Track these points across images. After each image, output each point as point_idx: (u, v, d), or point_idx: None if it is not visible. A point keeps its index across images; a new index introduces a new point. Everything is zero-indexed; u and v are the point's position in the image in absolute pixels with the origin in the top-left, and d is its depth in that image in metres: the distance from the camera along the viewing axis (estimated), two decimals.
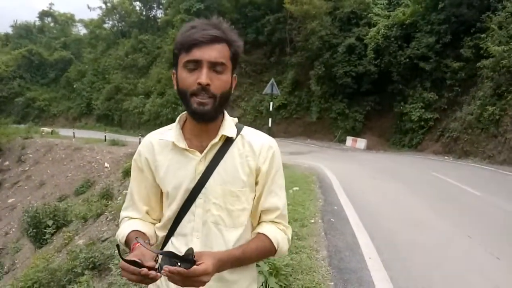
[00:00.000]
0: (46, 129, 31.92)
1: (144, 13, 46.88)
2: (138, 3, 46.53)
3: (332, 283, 4.20)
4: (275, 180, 1.37)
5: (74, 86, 45.93)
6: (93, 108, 42.81)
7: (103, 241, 7.77)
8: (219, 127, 1.32)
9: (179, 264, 1.03)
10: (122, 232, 1.37)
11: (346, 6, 27.20)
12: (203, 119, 1.27)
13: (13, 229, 16.48)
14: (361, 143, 23.54)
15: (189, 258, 1.04)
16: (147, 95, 37.17)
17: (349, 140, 24.41)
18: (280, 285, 3.87)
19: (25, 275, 8.05)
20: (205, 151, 1.30)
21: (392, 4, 27.56)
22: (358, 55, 25.42)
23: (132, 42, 42.45)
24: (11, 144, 26.05)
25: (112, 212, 9.03)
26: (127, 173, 12.92)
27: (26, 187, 20.79)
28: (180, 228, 1.33)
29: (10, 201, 20.19)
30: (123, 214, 1.47)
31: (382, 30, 23.77)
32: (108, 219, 9.05)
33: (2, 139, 26.06)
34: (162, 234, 1.39)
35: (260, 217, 1.39)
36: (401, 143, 23.82)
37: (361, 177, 11.90)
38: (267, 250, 1.33)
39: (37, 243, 10.91)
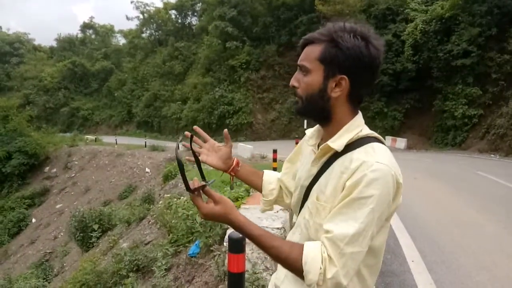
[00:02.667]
0: (90, 137, 33.44)
1: (179, 21, 48.02)
2: (173, 11, 47.73)
3: (374, 286, 4.10)
4: (353, 205, 1.12)
5: (115, 94, 47.75)
6: (133, 115, 44.30)
7: (146, 244, 7.99)
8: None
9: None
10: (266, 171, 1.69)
11: (381, 3, 26.59)
12: (299, 115, 1.36)
13: (61, 233, 17.34)
14: (401, 142, 22.86)
15: (188, 185, 1.18)
16: (184, 101, 37.99)
17: (388, 139, 23.78)
18: None
19: (74, 278, 8.43)
20: (316, 155, 1.32)
21: None
22: (395, 52, 24.76)
23: (168, 50, 43.59)
24: (58, 152, 27.48)
25: (154, 216, 9.29)
26: (167, 178, 13.27)
27: (72, 193, 21.85)
28: (298, 217, 1.42)
29: (58, 206, 21.30)
30: None
31: (420, 26, 23.03)
32: (150, 222, 9.31)
33: (50, 148, 27.53)
34: (294, 219, 1.50)
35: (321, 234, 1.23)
36: (444, 141, 22.91)
37: (402, 178, 11.52)
38: (291, 260, 1.15)
39: (84, 246, 11.40)
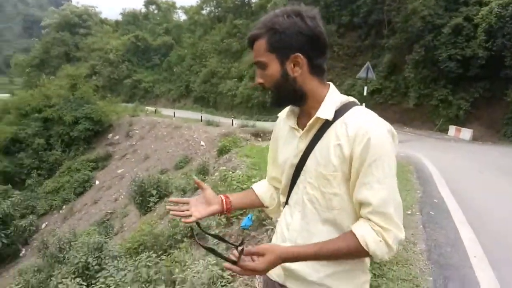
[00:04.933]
0: (150, 109, 34.91)
1: None
2: None
3: (431, 278, 3.98)
4: (371, 171, 1.22)
5: (174, 69, 49.17)
6: (191, 90, 45.43)
7: None
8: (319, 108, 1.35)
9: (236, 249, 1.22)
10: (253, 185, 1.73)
11: None
12: (276, 107, 1.42)
13: (122, 196, 18.51)
14: (466, 133, 21.46)
15: (230, 259, 1.22)
16: (240, 78, 38.27)
17: (452, 129, 22.42)
18: (374, 274, 3.79)
19: (132, 237, 9.02)
20: (303, 130, 1.37)
21: None
22: (466, 37, 22.95)
23: (227, 27, 43.80)
24: (120, 120, 29.03)
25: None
26: (221, 152, 13.58)
27: (133, 160, 23.13)
28: (290, 199, 1.46)
29: (119, 171, 22.68)
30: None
31: (496, 9, 21.08)
32: None
33: (113, 116, 29.15)
34: (282, 200, 1.55)
35: (359, 209, 1.31)
36: None
37: (466, 170, 10.90)
38: (354, 250, 1.25)
39: (142, 210, 12.11)
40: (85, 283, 6.38)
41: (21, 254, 19.98)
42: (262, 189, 1.69)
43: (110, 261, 7.63)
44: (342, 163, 1.27)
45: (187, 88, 46.52)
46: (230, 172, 7.86)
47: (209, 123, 23.91)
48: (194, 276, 3.99)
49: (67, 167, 24.94)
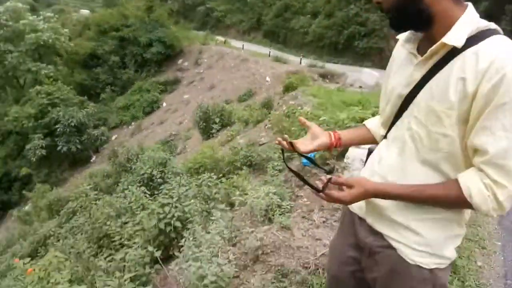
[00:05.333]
0: (220, 38, 34.76)
1: None
2: None
3: (500, 243, 3.72)
4: (496, 114, 1.01)
5: (248, 0, 47.80)
6: (262, 23, 44.23)
7: (261, 145, 8.40)
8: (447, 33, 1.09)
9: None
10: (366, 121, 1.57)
11: None
12: (395, 31, 1.25)
13: (186, 120, 19.26)
14: None
15: (316, 187, 1.19)
16: (314, 15, 36.32)
17: None
18: None
19: (194, 159, 9.41)
20: (422, 58, 1.16)
21: None
22: None
23: None
24: (191, 47, 29.38)
25: (271, 121, 9.59)
26: (287, 89, 13.35)
27: (199, 87, 23.66)
28: (389, 133, 1.31)
29: (185, 96, 23.41)
30: None
31: None
32: (266, 126, 9.68)
33: (185, 42, 29.49)
34: (381, 133, 1.39)
35: (472, 156, 1.11)
36: None
37: None
38: (454, 200, 1.12)
39: (205, 135, 12.53)
40: (149, 192, 6.82)
41: (91, 160, 22.03)
42: (375, 124, 1.50)
43: (172, 176, 8.08)
44: (462, 101, 1.06)
45: (259, 21, 45.29)
46: (299, 108, 7.69)
47: (276, 59, 23.42)
48: (253, 201, 4.04)
49: (138, 87, 26.19)
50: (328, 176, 1.18)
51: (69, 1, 68.32)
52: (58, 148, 20.85)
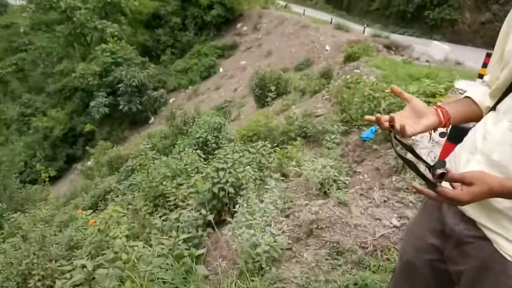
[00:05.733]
0: (281, 3, 33.80)
1: None
2: None
3: None
4: None
5: None
6: None
7: (317, 116, 8.13)
8: None
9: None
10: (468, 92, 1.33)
11: None
12: None
13: (241, 87, 19.24)
14: None
15: (431, 180, 0.99)
16: None
17: None
18: None
19: (248, 126, 9.38)
20: None
21: None
22: None
23: None
24: (251, 11, 28.87)
25: (329, 92, 9.25)
26: (348, 59, 12.75)
27: (256, 53, 23.38)
28: (500, 104, 1.12)
29: (242, 62, 23.29)
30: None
31: None
32: (324, 97, 9.35)
33: (245, 6, 29.02)
34: (488, 104, 1.21)
35: None
36: None
37: None
38: None
39: (260, 103, 12.42)
40: (203, 156, 6.92)
41: (150, 121, 22.91)
42: (480, 94, 1.29)
43: (226, 142, 8.13)
44: None
45: None
46: (364, 77, 7.29)
47: (338, 26, 22.38)
48: (309, 173, 3.92)
49: (197, 50, 26.45)
50: (440, 170, 0.98)
51: None
52: (120, 107, 21.87)
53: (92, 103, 22.41)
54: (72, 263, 3.20)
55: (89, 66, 23.20)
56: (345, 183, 3.94)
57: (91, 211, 4.64)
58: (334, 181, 4.01)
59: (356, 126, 6.20)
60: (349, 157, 5.51)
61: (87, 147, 19.79)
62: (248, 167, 4.87)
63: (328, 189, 3.84)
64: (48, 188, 15.53)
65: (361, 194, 3.79)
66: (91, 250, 3.86)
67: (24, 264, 4.80)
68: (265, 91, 12.22)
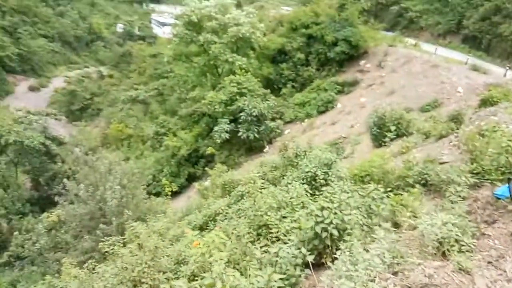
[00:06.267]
0: (410, 41, 32.40)
1: None
2: None
3: None
4: None
5: (449, 0, 43.04)
6: (463, 26, 39.29)
7: (441, 163, 7.35)
8: None
9: None
10: None
11: None
12: None
13: (358, 124, 18.67)
14: None
15: None
16: None
17: None
18: None
19: (361, 165, 8.94)
20: None
21: None
22: None
23: None
24: (376, 49, 28.21)
25: (458, 137, 8.32)
26: (484, 103, 11.44)
27: (378, 91, 22.60)
28: None
29: (362, 99, 22.71)
30: None
31: None
32: (451, 143, 8.44)
33: (370, 43, 28.53)
34: None
35: None
36: None
37: None
38: None
39: (377, 142, 11.84)
40: (310, 191, 6.78)
41: (265, 150, 23.65)
42: None
43: (335, 180, 7.86)
44: None
45: (459, 23, 40.36)
46: (503, 126, 6.41)
47: (475, 68, 20.41)
48: (426, 228, 3.48)
49: (316, 85, 26.74)
50: None
51: None
52: (239, 134, 23.12)
53: (215, 128, 24.15)
54: (177, 277, 3.35)
55: (217, 94, 25.19)
56: (469, 246, 3.38)
57: (198, 231, 4.86)
58: (456, 241, 3.48)
59: (489, 181, 5.39)
60: (477, 216, 4.78)
61: (206, 168, 21.23)
62: (356, 210, 4.57)
63: (448, 250, 3.34)
64: (168, 202, 17.04)
65: (489, 262, 3.20)
66: (194, 269, 4.01)
67: (136, 272, 5.22)
68: (383, 131, 11.61)
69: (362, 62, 27.44)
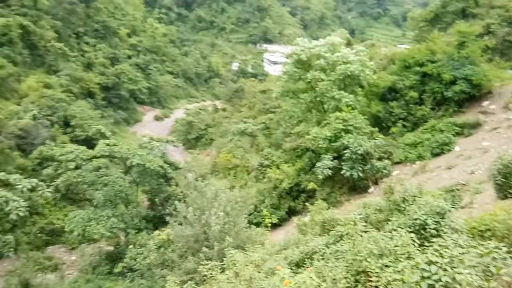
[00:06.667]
0: None
1: None
2: None
3: None
4: None
5: None
6: None
7: None
8: None
9: None
10: None
11: None
12: None
13: (480, 171, 16.75)
14: None
15: None
16: None
17: None
18: None
19: (481, 218, 7.97)
20: None
21: None
22: None
23: None
24: (502, 89, 25.43)
25: None
26: None
27: (504, 135, 20.18)
28: None
29: (484, 143, 20.45)
30: None
31: None
32: None
33: (495, 83, 25.86)
34: None
35: None
36: None
37: None
38: None
39: (501, 193, 10.46)
40: (418, 242, 6.25)
41: (369, 191, 22.60)
42: None
43: (449, 231, 7.12)
44: None
45: None
46: None
47: None
48: None
49: (431, 125, 24.97)
50: None
51: (381, 37, 73.40)
52: (342, 171, 22.58)
53: (318, 164, 23.99)
54: None
55: (322, 130, 25.15)
56: None
57: (290, 270, 4.82)
58: None
59: None
60: None
61: (307, 203, 21.13)
62: (471, 270, 4.07)
63: None
64: (267, 233, 17.26)
65: None
66: None
67: None
68: (510, 180, 10.24)
69: (485, 103, 24.91)
